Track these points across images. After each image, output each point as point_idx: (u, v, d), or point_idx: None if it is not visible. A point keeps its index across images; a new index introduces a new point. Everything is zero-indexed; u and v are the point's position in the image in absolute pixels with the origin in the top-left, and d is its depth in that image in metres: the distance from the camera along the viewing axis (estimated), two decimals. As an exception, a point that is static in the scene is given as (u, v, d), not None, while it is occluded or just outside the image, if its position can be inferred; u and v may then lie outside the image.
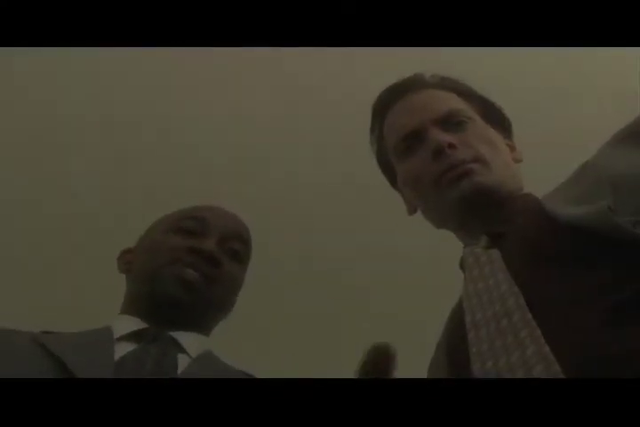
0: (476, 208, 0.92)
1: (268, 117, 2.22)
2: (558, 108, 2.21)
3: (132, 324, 1.00)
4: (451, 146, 0.93)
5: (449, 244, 1.02)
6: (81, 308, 2.07)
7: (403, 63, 2.06)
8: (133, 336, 0.97)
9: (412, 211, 1.06)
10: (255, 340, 2.19)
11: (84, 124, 2.20)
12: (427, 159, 0.95)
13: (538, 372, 0.63)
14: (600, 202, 0.72)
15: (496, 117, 1.05)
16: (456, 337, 0.82)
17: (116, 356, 0.90)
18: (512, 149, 1.04)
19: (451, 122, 0.97)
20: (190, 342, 1.00)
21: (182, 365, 0.93)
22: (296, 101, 2.21)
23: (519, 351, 0.66)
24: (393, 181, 1.08)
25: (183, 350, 0.97)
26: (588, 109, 2.18)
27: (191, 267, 1.02)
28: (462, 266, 0.90)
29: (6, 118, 2.18)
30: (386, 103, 1.06)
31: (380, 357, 0.69)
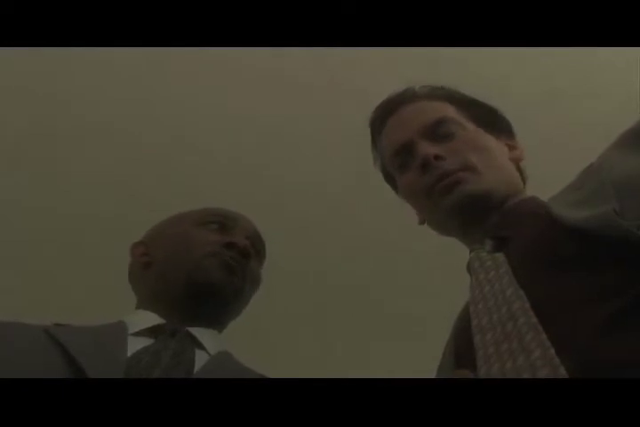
0: (472, 215, 0.93)
1: (269, 117, 2.22)
2: (558, 108, 2.21)
3: (150, 319, 1.00)
4: (437, 157, 0.94)
5: (457, 247, 1.02)
6: (88, 306, 2.07)
7: (403, 63, 2.06)
8: (150, 331, 0.97)
9: (421, 221, 1.08)
10: (265, 341, 2.19)
11: (84, 123, 2.20)
12: (418, 173, 0.97)
13: (543, 375, 0.63)
14: (605, 205, 0.72)
15: (490, 119, 1.05)
16: (463, 341, 0.82)
17: (132, 349, 0.90)
18: (512, 148, 1.04)
19: (438, 131, 0.98)
20: (208, 339, 1.00)
21: (200, 361, 0.92)
22: (296, 101, 2.21)
23: (525, 355, 0.66)
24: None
25: (202, 347, 0.97)
26: (588, 109, 2.18)
27: (231, 260, 1.05)
28: (469, 270, 0.90)
29: (6, 118, 2.18)
30: (380, 120, 1.08)
31: None
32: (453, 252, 1.06)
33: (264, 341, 2.25)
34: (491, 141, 1.00)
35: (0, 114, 2.16)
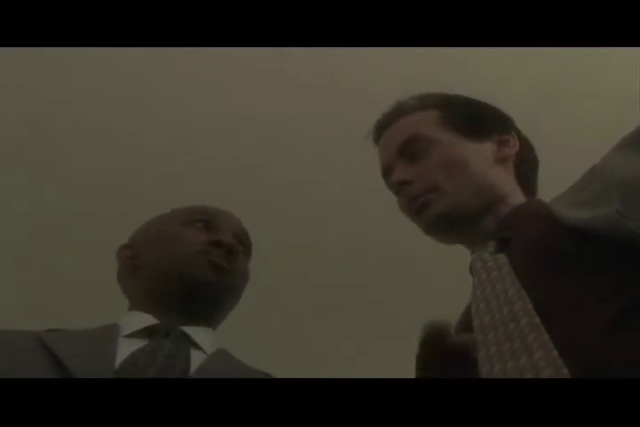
0: (453, 230, 0.97)
1: (269, 117, 2.22)
2: (558, 108, 2.21)
3: (144, 320, 1.00)
4: (405, 183, 0.99)
5: (459, 248, 1.02)
6: (88, 306, 2.08)
7: (403, 63, 2.06)
8: (144, 332, 0.97)
9: None
10: (264, 341, 2.19)
11: (84, 123, 2.20)
12: (396, 196, 1.04)
13: (546, 376, 0.63)
14: (608, 206, 0.72)
15: (478, 121, 1.04)
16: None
17: (127, 351, 0.90)
18: (504, 144, 1.03)
19: (411, 150, 1.01)
20: (204, 338, 1.00)
21: (197, 361, 0.93)
22: (296, 101, 2.21)
23: (527, 356, 0.66)
24: None
25: (197, 346, 0.97)
26: (588, 109, 2.18)
27: (219, 258, 1.05)
28: (472, 271, 0.90)
29: (6, 118, 2.18)
30: (376, 140, 1.11)
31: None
32: (455, 252, 1.06)
33: (264, 341, 2.25)
34: (468, 151, 1.00)
35: (0, 114, 2.16)
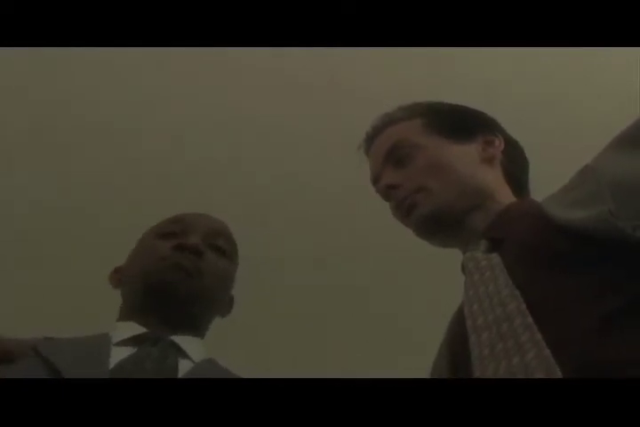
0: (443, 230, 0.98)
1: (269, 117, 2.22)
2: (558, 108, 2.21)
3: (132, 329, 1.02)
4: (391, 187, 1.01)
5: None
6: (84, 307, 2.07)
7: (403, 63, 2.06)
8: (133, 340, 0.99)
9: None
10: (263, 341, 2.19)
11: (84, 123, 2.20)
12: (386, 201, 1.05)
13: (538, 376, 0.63)
14: (600, 206, 0.73)
15: (462, 125, 1.05)
16: (457, 341, 0.82)
17: (116, 359, 0.92)
18: (489, 144, 1.04)
19: (396, 155, 1.03)
20: (191, 347, 1.02)
21: (184, 369, 0.94)
22: (296, 101, 2.21)
23: (519, 356, 0.67)
24: None
25: (185, 355, 0.99)
26: (588, 109, 2.18)
27: (179, 262, 1.07)
28: (464, 271, 0.91)
29: (6, 118, 2.17)
30: (366, 152, 1.12)
31: None
32: (454, 252, 1.06)
33: (263, 340, 2.25)
34: (453, 152, 1.01)
35: (0, 114, 2.16)
